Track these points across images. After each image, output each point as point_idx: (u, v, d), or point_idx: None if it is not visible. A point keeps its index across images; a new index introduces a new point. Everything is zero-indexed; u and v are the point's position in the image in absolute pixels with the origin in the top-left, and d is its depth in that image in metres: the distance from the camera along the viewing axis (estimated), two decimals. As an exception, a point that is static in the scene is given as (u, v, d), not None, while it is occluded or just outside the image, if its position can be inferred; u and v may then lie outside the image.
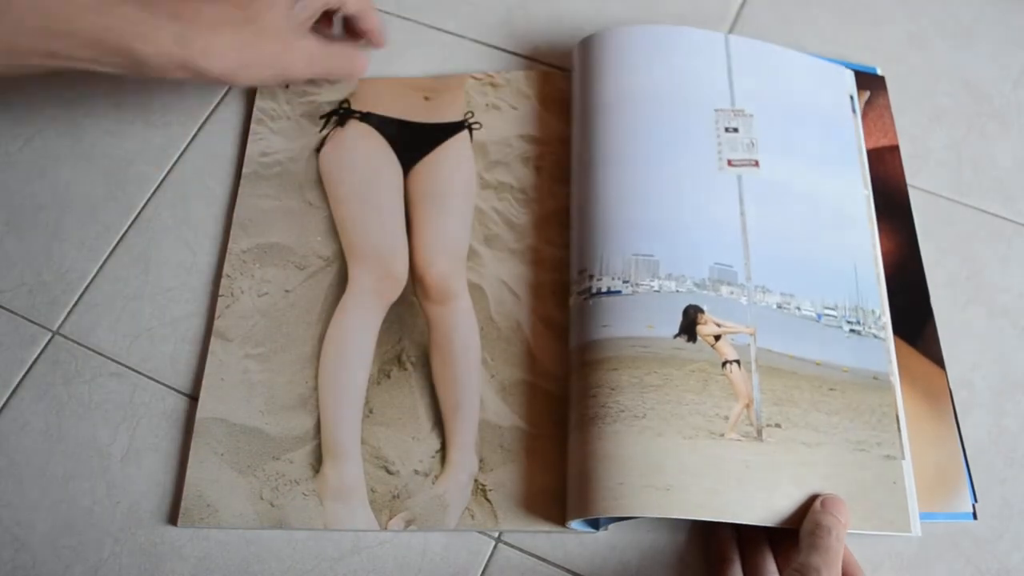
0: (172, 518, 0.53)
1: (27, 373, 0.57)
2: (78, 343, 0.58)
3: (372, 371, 0.57)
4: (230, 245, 0.61)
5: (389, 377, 0.57)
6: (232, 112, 0.67)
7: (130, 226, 0.62)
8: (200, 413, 0.55)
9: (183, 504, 0.53)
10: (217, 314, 0.58)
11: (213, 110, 0.67)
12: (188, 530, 0.53)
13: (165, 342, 0.58)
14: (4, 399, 0.57)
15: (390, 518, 0.53)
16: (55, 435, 0.55)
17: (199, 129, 0.66)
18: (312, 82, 0.65)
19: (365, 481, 0.53)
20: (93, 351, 0.58)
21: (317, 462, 0.54)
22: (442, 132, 0.65)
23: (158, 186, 0.64)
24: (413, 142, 0.64)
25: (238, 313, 0.59)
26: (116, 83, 0.66)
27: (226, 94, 0.67)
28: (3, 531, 0.53)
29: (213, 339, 0.58)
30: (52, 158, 0.64)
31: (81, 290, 0.60)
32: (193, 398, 0.56)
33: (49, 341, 0.58)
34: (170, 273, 0.60)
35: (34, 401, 0.56)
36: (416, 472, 0.54)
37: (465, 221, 0.61)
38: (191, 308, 0.59)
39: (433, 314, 0.58)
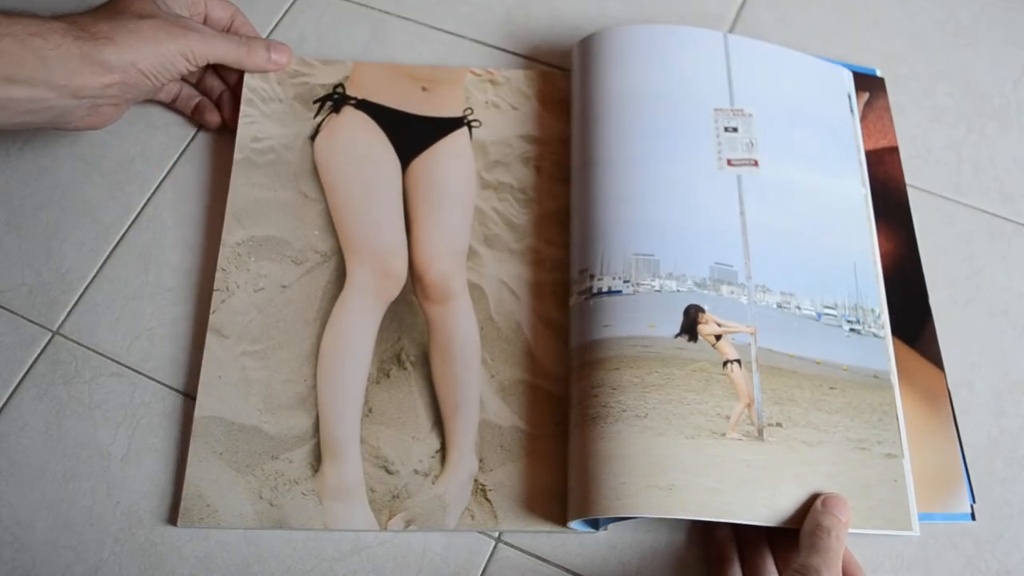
0: (172, 518, 0.53)
1: (27, 373, 0.57)
2: (78, 343, 0.58)
3: (371, 370, 0.57)
4: (224, 236, 0.60)
5: (388, 376, 0.57)
6: (232, 112, 0.67)
7: (130, 226, 0.62)
8: (198, 412, 0.55)
9: (183, 504, 0.53)
10: (212, 308, 0.58)
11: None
12: (188, 530, 0.53)
13: (165, 342, 0.58)
14: (4, 399, 0.56)
15: (390, 518, 0.53)
16: (55, 435, 0.55)
17: (199, 130, 0.66)
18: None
19: (365, 481, 0.53)
20: (93, 351, 0.58)
21: (316, 461, 0.54)
22: (441, 127, 0.64)
23: (158, 186, 0.64)
24: (411, 135, 0.64)
25: (234, 308, 0.58)
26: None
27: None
28: (3, 531, 0.53)
29: (209, 334, 0.57)
30: (52, 158, 0.64)
31: (81, 290, 0.60)
32: (193, 398, 0.56)
33: (49, 341, 0.58)
34: (170, 273, 0.60)
35: (34, 401, 0.56)
36: (416, 472, 0.54)
37: (465, 220, 0.61)
38: (191, 308, 0.59)
39: (433, 314, 0.58)
